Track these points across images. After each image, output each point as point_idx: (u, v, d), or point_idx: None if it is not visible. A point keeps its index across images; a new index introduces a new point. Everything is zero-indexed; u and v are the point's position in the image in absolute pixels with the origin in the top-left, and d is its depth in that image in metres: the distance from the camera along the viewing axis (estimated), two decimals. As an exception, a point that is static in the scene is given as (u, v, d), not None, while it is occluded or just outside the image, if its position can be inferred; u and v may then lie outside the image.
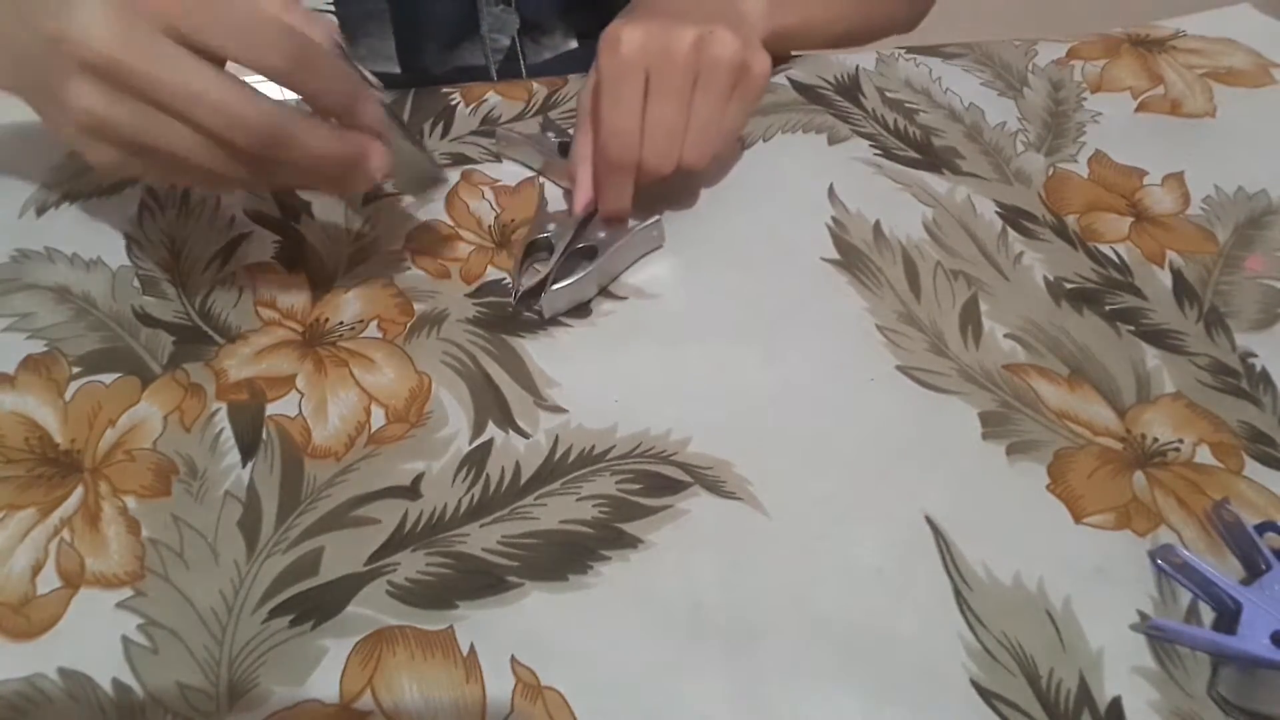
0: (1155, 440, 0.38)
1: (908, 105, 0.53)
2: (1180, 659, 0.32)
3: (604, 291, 0.43)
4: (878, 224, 0.46)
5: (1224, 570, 0.34)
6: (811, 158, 0.49)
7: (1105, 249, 0.45)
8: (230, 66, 0.32)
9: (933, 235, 0.46)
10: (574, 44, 0.63)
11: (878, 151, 0.50)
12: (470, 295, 0.42)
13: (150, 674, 0.31)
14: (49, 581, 0.33)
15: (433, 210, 0.46)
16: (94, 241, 0.43)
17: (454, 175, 0.48)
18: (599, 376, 0.39)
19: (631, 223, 0.43)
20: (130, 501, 0.35)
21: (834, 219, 0.46)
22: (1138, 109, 0.53)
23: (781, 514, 0.36)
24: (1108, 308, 0.43)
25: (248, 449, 0.37)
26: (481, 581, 0.33)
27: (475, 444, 0.37)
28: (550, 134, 0.48)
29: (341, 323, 0.41)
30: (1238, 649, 0.31)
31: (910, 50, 0.57)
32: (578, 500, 0.36)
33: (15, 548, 0.34)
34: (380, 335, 0.41)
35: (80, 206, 0.45)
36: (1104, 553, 0.35)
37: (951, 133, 0.51)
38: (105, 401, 0.38)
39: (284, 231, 0.45)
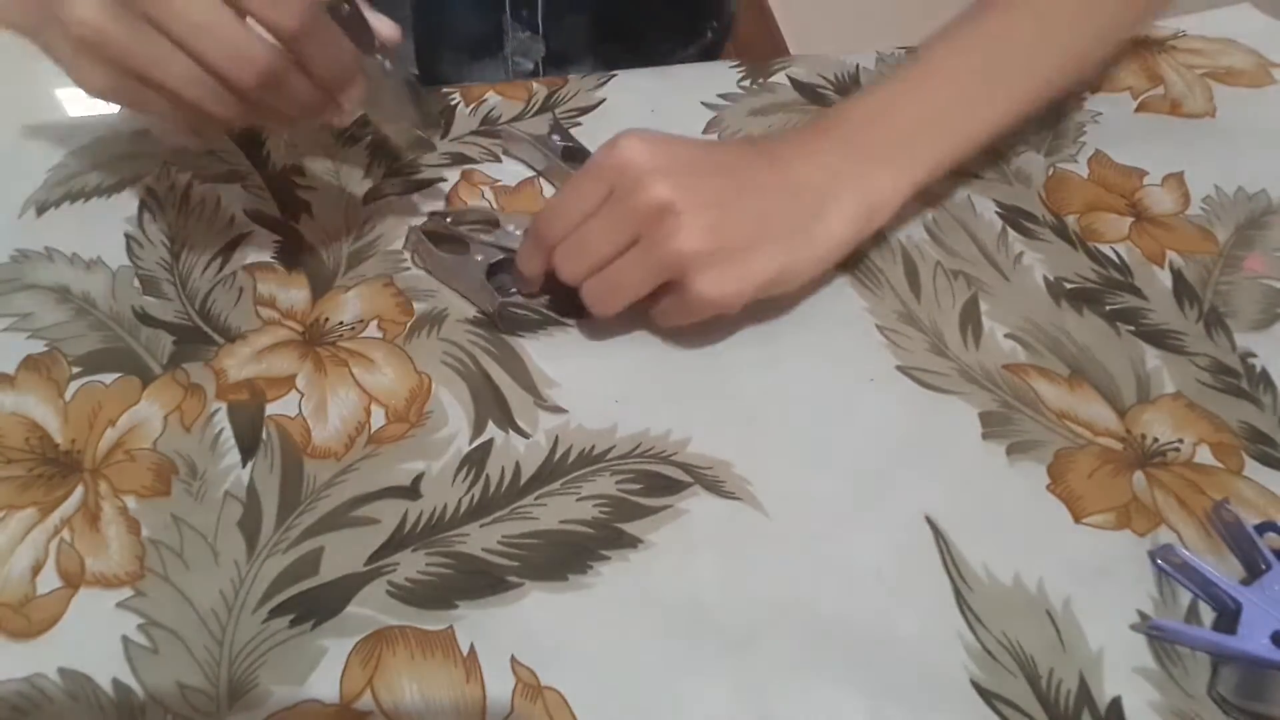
0: (1155, 440, 0.38)
1: (908, 105, 0.53)
2: (1180, 659, 0.32)
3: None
4: (878, 224, 0.46)
5: (1224, 570, 0.34)
6: (811, 158, 0.49)
7: (1105, 249, 0.45)
8: None
9: (933, 235, 0.46)
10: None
11: (878, 151, 0.50)
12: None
13: (150, 674, 0.31)
14: (49, 581, 0.33)
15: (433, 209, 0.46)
16: (94, 241, 0.43)
17: (454, 175, 0.48)
18: (599, 376, 0.39)
19: None
20: (130, 501, 0.35)
21: (834, 219, 0.46)
22: (1138, 109, 0.53)
23: (781, 514, 0.36)
24: (1108, 308, 0.43)
25: (248, 449, 0.37)
26: (481, 581, 0.33)
27: (475, 444, 0.37)
28: (556, 136, 0.48)
29: (341, 322, 0.41)
30: (1238, 649, 0.31)
31: (910, 50, 0.57)
32: (578, 500, 0.36)
33: (15, 548, 0.34)
34: (380, 335, 0.41)
35: (80, 206, 0.45)
36: (1104, 553, 0.35)
37: (951, 133, 0.51)
38: (105, 401, 0.38)
39: (284, 231, 0.45)
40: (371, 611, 0.33)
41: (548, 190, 0.47)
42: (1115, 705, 0.31)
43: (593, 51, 0.62)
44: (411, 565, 0.34)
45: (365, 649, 0.32)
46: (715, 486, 0.36)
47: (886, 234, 0.45)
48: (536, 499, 0.36)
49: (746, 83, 0.53)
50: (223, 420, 0.37)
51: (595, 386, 0.39)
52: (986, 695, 0.31)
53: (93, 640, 0.32)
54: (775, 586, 0.34)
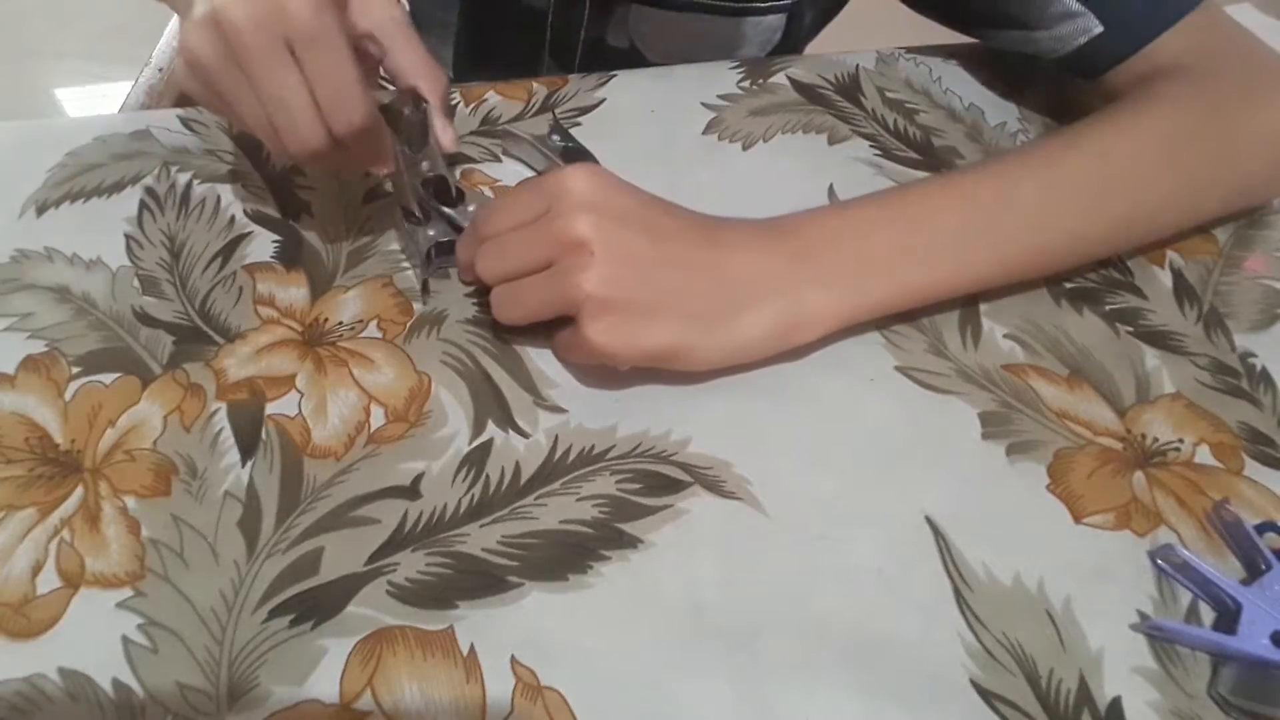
0: (1155, 440, 0.38)
1: (908, 105, 0.53)
2: (1180, 659, 0.32)
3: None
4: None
5: (1224, 570, 0.34)
6: (811, 158, 0.49)
7: (1105, 249, 0.45)
8: None
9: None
10: None
11: (878, 152, 0.50)
12: (470, 295, 0.42)
13: (150, 674, 0.31)
14: (49, 581, 0.33)
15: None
16: (94, 241, 0.43)
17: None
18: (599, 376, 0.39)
19: None
20: (130, 501, 0.35)
21: (834, 219, 0.46)
22: (1138, 109, 0.53)
23: (781, 514, 0.36)
24: (1108, 308, 0.43)
25: (247, 449, 0.37)
26: (481, 581, 0.33)
27: (475, 444, 0.37)
28: (556, 136, 0.48)
29: (341, 322, 0.41)
30: (1238, 649, 0.31)
31: (910, 50, 0.57)
32: (578, 500, 0.36)
33: (15, 548, 0.34)
34: (380, 335, 0.41)
35: (80, 206, 0.45)
36: (1104, 553, 0.35)
37: (952, 133, 0.51)
38: (105, 401, 0.38)
39: (284, 231, 0.45)
40: (371, 611, 0.33)
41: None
42: (1115, 705, 0.31)
43: None
44: (411, 565, 0.34)
45: (365, 649, 0.32)
46: (715, 486, 0.36)
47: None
48: (536, 499, 0.36)
49: (746, 83, 0.53)
50: (222, 420, 0.37)
51: (595, 386, 0.39)
52: (986, 695, 0.31)
53: (93, 640, 0.32)
54: (775, 586, 0.34)
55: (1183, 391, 0.40)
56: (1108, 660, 0.32)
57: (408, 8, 0.58)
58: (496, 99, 0.52)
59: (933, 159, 0.50)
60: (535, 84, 0.53)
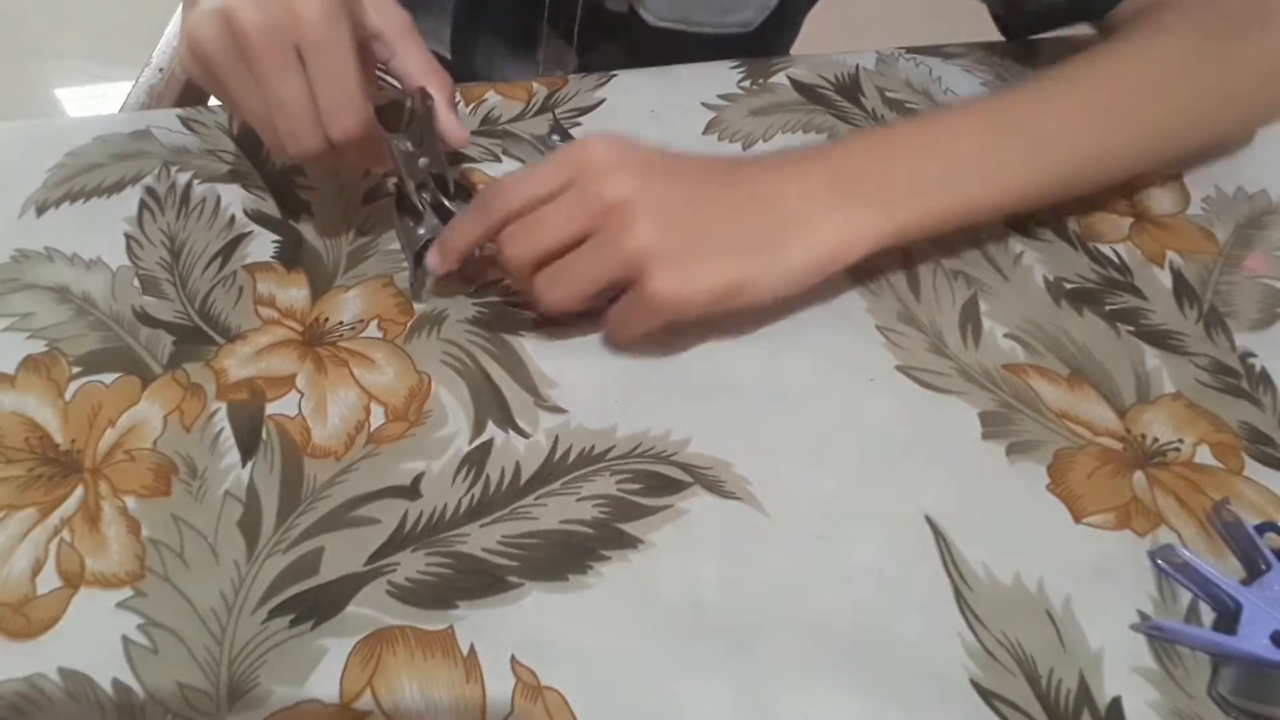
0: (1155, 440, 0.38)
1: (908, 105, 0.53)
2: (1180, 659, 0.32)
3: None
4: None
5: (1224, 570, 0.34)
6: (811, 158, 0.49)
7: (1105, 249, 0.45)
8: None
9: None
10: None
11: (878, 151, 0.50)
12: (470, 295, 0.42)
13: (150, 674, 0.31)
14: (49, 581, 0.33)
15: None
16: (94, 241, 0.43)
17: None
18: (599, 376, 0.39)
19: None
20: (130, 501, 0.35)
21: (834, 219, 0.46)
22: (1138, 109, 0.53)
23: (781, 514, 0.36)
24: (1108, 308, 0.43)
25: (247, 449, 0.37)
26: (481, 581, 0.33)
27: (475, 444, 0.37)
28: (556, 136, 0.48)
29: (341, 322, 0.41)
30: (1238, 649, 0.31)
31: (910, 50, 0.57)
32: (578, 500, 0.36)
33: (15, 548, 0.34)
34: (380, 335, 0.41)
35: (80, 206, 0.45)
36: (1104, 553, 0.35)
37: (951, 133, 0.51)
38: (105, 401, 0.38)
39: (284, 231, 0.45)
40: (371, 611, 0.33)
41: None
42: (1115, 705, 0.31)
43: None
44: (411, 565, 0.34)
45: (365, 649, 0.32)
46: (715, 486, 0.36)
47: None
48: (536, 499, 0.36)
49: (746, 83, 0.53)
50: (223, 420, 0.38)
51: (595, 386, 0.39)
52: (986, 695, 0.31)
53: (93, 640, 0.32)
54: (775, 586, 0.34)
55: (1183, 391, 0.40)
56: (1108, 660, 0.32)
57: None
58: (496, 99, 0.52)
59: (933, 159, 0.50)
60: (535, 84, 0.53)
